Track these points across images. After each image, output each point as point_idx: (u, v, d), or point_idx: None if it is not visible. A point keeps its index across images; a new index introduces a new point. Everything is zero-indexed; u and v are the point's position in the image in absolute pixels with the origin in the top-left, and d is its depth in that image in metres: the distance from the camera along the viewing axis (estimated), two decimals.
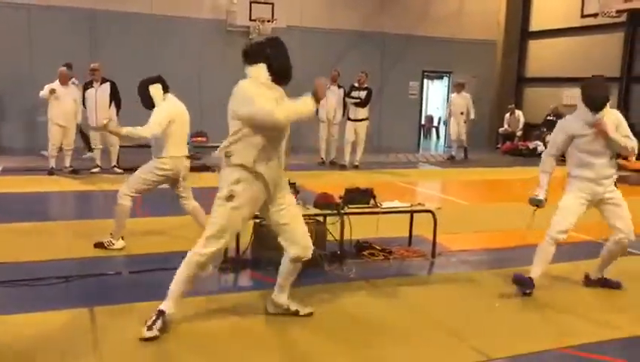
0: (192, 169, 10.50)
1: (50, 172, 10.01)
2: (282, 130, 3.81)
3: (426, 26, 16.81)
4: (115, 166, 10.54)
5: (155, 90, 5.46)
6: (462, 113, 14.33)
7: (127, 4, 13.53)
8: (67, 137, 10.08)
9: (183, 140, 5.58)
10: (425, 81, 17.96)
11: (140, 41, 13.60)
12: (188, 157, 5.61)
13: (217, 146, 13.96)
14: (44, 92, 9.80)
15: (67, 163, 10.21)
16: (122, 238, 5.69)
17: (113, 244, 5.63)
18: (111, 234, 5.65)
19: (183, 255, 3.91)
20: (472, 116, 14.43)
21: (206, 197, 8.16)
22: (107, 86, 10.20)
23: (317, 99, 3.79)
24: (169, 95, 5.55)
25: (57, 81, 9.97)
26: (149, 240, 6.06)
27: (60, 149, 10.11)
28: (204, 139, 11.92)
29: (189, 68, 14.10)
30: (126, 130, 5.32)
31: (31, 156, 11.53)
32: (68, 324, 3.92)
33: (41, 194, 8.60)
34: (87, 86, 10.29)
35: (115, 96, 10.23)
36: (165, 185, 5.71)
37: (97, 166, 10.50)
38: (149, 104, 5.46)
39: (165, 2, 13.73)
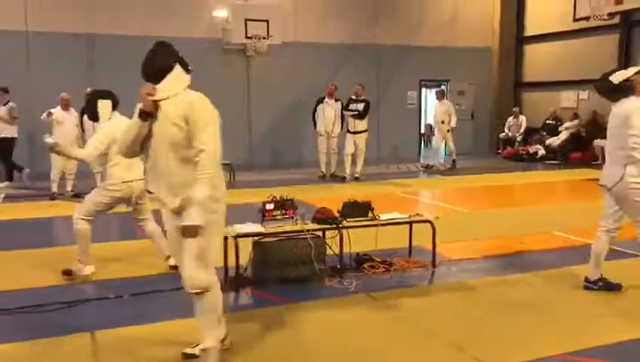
0: None
1: (52, 197, 10.06)
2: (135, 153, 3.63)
3: (421, 35, 16.91)
4: None
5: (103, 106, 5.30)
6: (442, 122, 14.21)
7: (123, 27, 13.67)
8: (69, 162, 10.14)
9: (134, 162, 5.05)
10: (423, 90, 18.03)
11: (137, 63, 13.68)
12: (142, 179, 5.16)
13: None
14: (43, 115, 9.94)
15: (69, 187, 10.27)
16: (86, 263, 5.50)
17: (82, 270, 5.46)
18: (79, 260, 5.47)
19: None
20: (453, 124, 14.19)
21: None
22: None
23: (142, 112, 3.45)
24: (116, 113, 5.34)
25: (58, 106, 10.08)
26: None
27: (63, 174, 10.18)
28: None
29: (189, 87, 14.19)
30: (69, 151, 5.35)
31: (30, 180, 11.57)
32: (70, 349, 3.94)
33: (42, 220, 8.63)
34: (84, 110, 10.36)
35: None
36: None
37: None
38: (96, 118, 5.36)
39: (160, 23, 13.84)
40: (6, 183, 11.25)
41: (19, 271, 5.78)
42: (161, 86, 3.46)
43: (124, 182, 5.27)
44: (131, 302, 4.92)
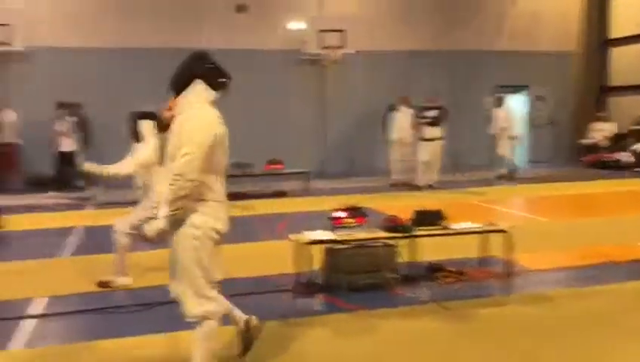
0: (266, 195, 10.80)
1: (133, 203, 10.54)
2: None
3: (498, 40, 16.54)
4: None
5: (146, 127, 5.37)
6: (504, 129, 13.66)
7: (205, 40, 14.18)
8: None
9: None
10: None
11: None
12: None
13: (294, 173, 14.26)
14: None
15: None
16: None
17: (117, 281, 5.55)
18: (115, 272, 5.57)
19: None
20: (514, 133, 13.68)
21: (275, 223, 8.49)
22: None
23: (159, 123, 3.56)
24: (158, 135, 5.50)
25: None
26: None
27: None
28: (279, 166, 12.21)
29: (266, 98, 14.57)
30: (106, 170, 5.42)
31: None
32: (152, 348, 4.14)
33: None
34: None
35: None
36: None
37: None
38: (136, 138, 5.46)
39: (239, 36, 14.31)
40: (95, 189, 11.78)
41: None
42: (179, 99, 3.40)
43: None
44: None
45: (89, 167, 5.51)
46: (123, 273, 5.60)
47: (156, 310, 4.91)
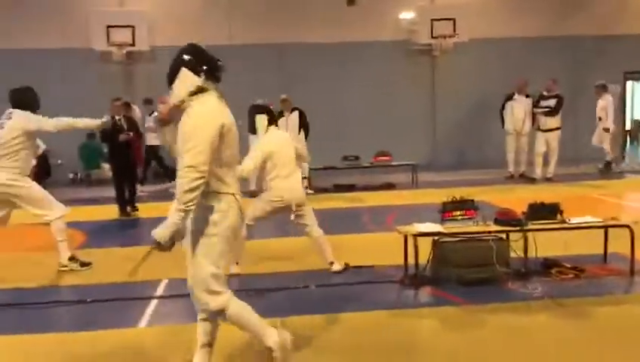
0: (374, 188, 10.79)
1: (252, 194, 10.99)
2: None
3: (624, 22, 15.39)
4: (306, 187, 11.20)
5: (260, 120, 5.64)
6: (600, 119, 12.54)
7: (314, 35, 14.43)
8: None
9: (291, 172, 5.60)
10: (628, 82, 16.39)
11: (327, 69, 14.40)
12: (305, 177, 5.41)
13: (402, 165, 14.10)
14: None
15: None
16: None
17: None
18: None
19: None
20: (609, 124, 12.40)
21: (383, 215, 8.50)
22: (296, 114, 10.99)
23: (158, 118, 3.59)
24: (272, 128, 5.67)
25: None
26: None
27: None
28: (387, 158, 12.18)
29: (374, 90, 14.58)
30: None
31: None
32: None
33: None
34: (279, 115, 11.17)
35: (303, 123, 11.00)
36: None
37: None
38: (253, 130, 5.71)
39: (349, 29, 14.39)
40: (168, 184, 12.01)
41: None
42: (172, 91, 3.37)
43: (282, 188, 5.55)
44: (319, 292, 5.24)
45: None
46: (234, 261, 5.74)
47: (267, 296, 5.10)
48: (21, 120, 5.87)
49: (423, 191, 10.79)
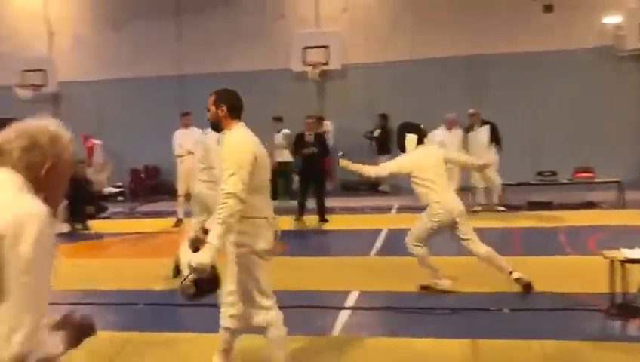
0: (569, 206, 10.01)
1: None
2: None
3: None
4: (496, 204, 10.79)
5: (410, 140, 5.70)
6: None
7: (506, 44, 13.89)
8: (453, 178, 10.78)
9: (446, 187, 5.63)
10: None
11: (520, 80, 13.77)
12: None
13: (606, 182, 12.83)
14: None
15: (495, 200, 10.74)
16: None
17: (438, 284, 5.67)
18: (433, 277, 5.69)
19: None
20: None
21: (584, 236, 7.81)
22: (486, 128, 10.65)
23: None
24: (420, 147, 5.70)
25: (443, 126, 10.88)
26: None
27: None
28: (590, 174, 11.17)
29: (573, 100, 13.59)
30: (362, 169, 5.84)
31: None
32: (453, 353, 4.25)
33: None
34: (468, 129, 10.92)
35: (494, 137, 10.62)
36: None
37: (480, 205, 10.86)
38: (402, 148, 5.77)
39: (544, 37, 13.62)
40: None
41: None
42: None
43: (439, 202, 5.47)
44: (510, 316, 5.01)
45: (345, 163, 5.94)
46: (438, 276, 5.72)
47: (460, 315, 5.00)
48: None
49: (630, 211, 9.77)
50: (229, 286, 3.59)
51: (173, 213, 10.29)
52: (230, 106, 3.59)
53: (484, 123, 10.76)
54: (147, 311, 5.50)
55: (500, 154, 10.56)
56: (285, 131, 12.15)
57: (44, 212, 1.61)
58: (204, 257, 3.31)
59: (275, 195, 12.58)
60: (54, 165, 1.74)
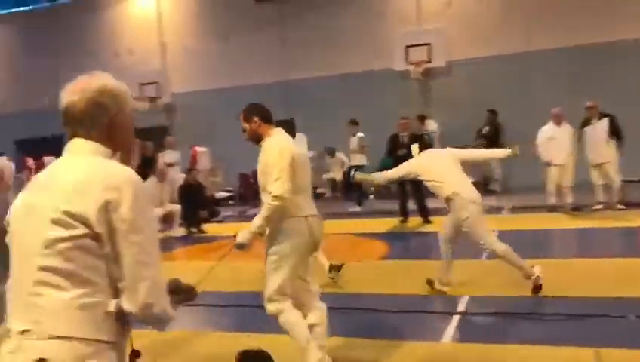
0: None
1: (552, 209, 10.35)
2: None
3: None
4: (617, 202, 10.14)
5: (413, 149, 6.16)
6: None
7: (625, 32, 12.98)
8: (566, 175, 10.26)
9: (457, 181, 5.64)
10: None
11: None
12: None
13: None
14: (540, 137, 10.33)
15: (568, 200, 10.33)
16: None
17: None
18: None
19: None
20: None
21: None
22: (605, 121, 10.00)
23: None
24: (425, 152, 6.00)
25: (551, 122, 10.34)
26: None
27: (560, 187, 10.34)
28: None
29: None
30: (371, 177, 6.20)
31: (534, 194, 12.04)
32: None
33: (539, 231, 8.97)
34: (585, 123, 10.31)
35: (614, 131, 9.95)
36: None
37: (600, 203, 10.27)
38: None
39: None
40: None
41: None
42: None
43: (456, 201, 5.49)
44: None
45: (360, 176, 6.35)
46: (442, 282, 5.76)
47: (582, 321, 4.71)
48: None
49: None
50: (270, 283, 3.80)
51: None
52: (261, 116, 3.87)
53: (602, 116, 10.11)
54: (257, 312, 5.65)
55: (620, 149, 9.91)
56: (360, 135, 12.12)
57: (133, 174, 1.75)
58: (241, 237, 3.74)
59: (360, 201, 12.42)
60: (118, 116, 1.86)
